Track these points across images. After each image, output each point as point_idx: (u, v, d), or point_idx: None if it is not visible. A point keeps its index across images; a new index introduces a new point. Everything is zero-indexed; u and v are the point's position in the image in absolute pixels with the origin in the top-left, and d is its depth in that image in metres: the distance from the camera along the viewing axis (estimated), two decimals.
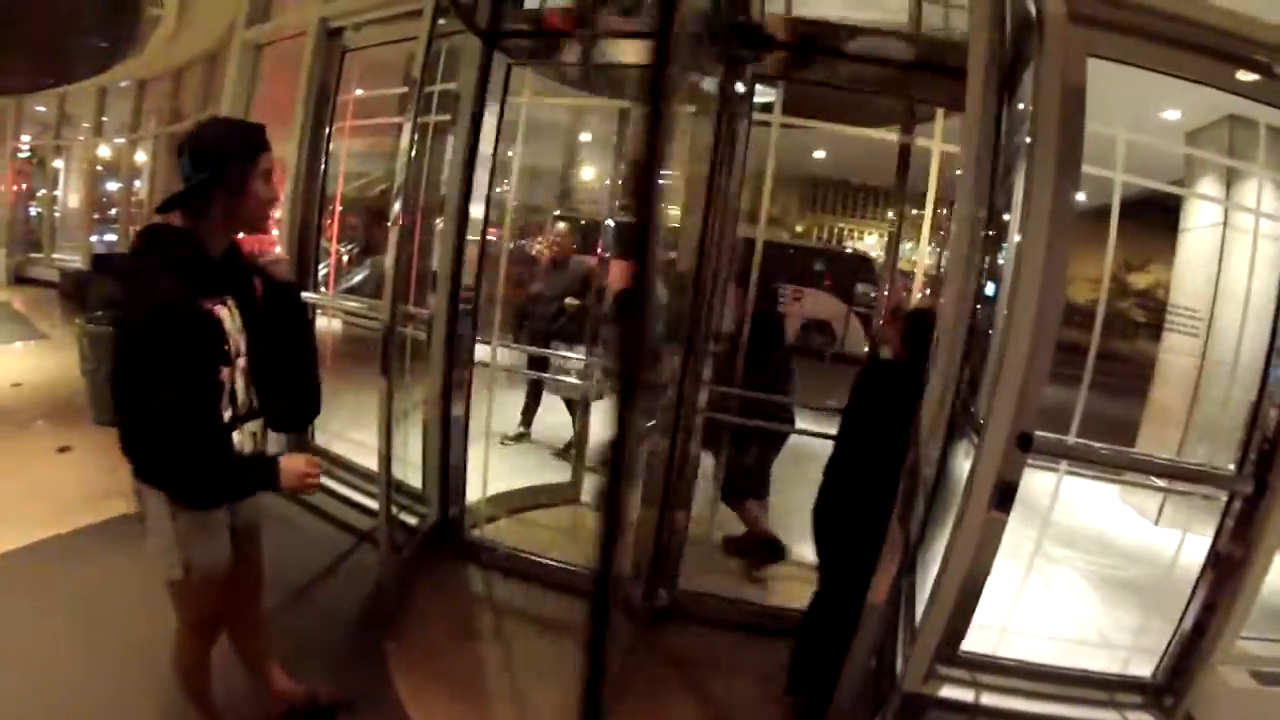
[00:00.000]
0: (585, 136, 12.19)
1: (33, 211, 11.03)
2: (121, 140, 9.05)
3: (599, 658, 1.31)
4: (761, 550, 3.29)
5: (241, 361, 1.57)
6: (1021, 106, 2.10)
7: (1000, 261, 2.17)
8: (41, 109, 10.52)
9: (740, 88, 2.56)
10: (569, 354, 4.29)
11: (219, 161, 1.46)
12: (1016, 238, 2.13)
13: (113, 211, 9.99)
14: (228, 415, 1.56)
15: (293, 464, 1.56)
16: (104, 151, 9.78)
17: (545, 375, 4.45)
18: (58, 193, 10.72)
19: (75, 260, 9.55)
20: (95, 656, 2.32)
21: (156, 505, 1.55)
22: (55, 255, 10.27)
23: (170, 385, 1.40)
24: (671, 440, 2.68)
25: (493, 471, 3.23)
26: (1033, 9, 2.00)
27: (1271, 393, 2.45)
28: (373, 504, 3.30)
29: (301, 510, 3.46)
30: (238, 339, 1.55)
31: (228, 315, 1.54)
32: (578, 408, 4.02)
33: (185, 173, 1.47)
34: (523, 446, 4.72)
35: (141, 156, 8.62)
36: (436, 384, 2.79)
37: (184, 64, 6.78)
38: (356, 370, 3.71)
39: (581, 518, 3.67)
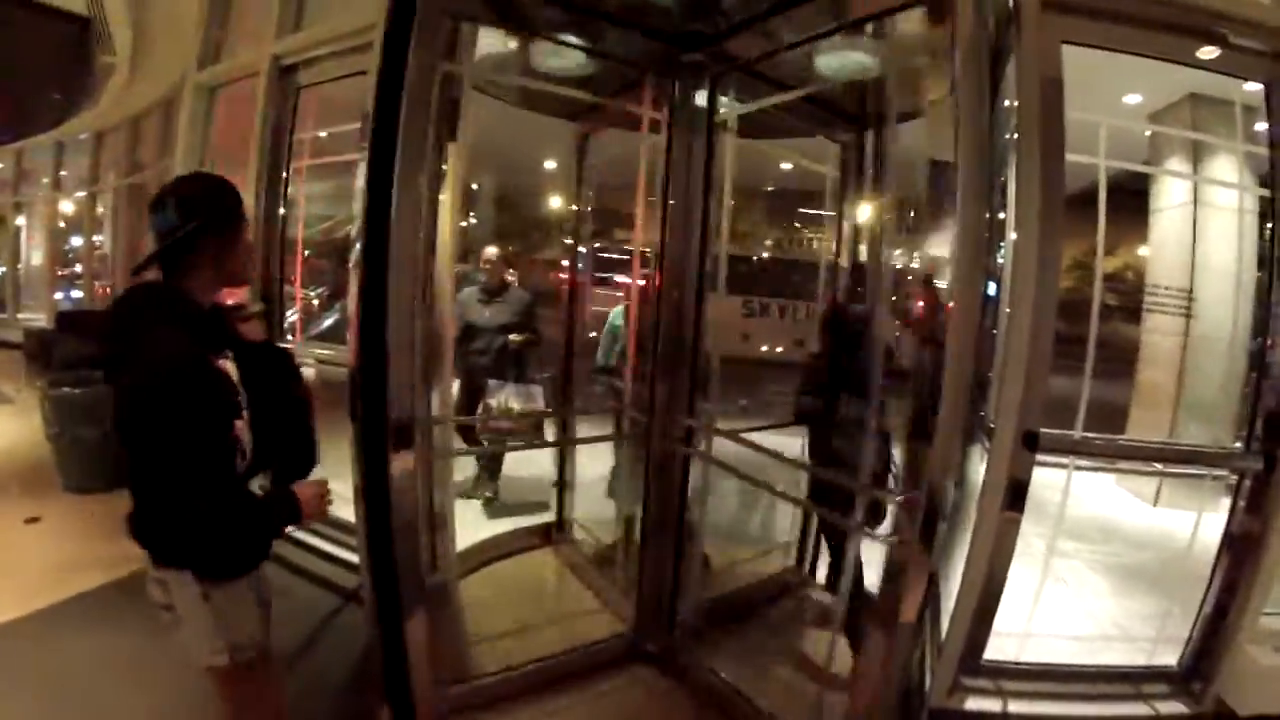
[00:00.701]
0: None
1: None
2: (82, 194, 8.86)
3: None
4: None
5: (245, 415, 1.50)
6: (1007, 103, 2.07)
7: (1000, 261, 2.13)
8: None
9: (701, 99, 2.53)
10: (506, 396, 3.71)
11: (209, 210, 1.44)
12: (1013, 236, 2.09)
13: (76, 268, 9.75)
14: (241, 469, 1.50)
15: (306, 491, 1.53)
16: (65, 207, 9.58)
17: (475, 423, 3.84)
18: (20, 251, 10.45)
19: (39, 319, 9.30)
20: None
21: (186, 589, 1.46)
22: (19, 315, 9.99)
23: (196, 445, 1.34)
24: None
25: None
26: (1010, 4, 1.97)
27: (1270, 367, 2.43)
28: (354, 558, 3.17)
29: (279, 570, 3.33)
30: (240, 393, 1.50)
31: (231, 369, 1.50)
32: None
33: (169, 224, 1.41)
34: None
35: (101, 210, 8.43)
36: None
37: (140, 113, 6.65)
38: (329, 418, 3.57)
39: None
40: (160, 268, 1.45)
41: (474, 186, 11.90)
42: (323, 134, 3.60)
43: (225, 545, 1.46)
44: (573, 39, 2.39)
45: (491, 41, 2.50)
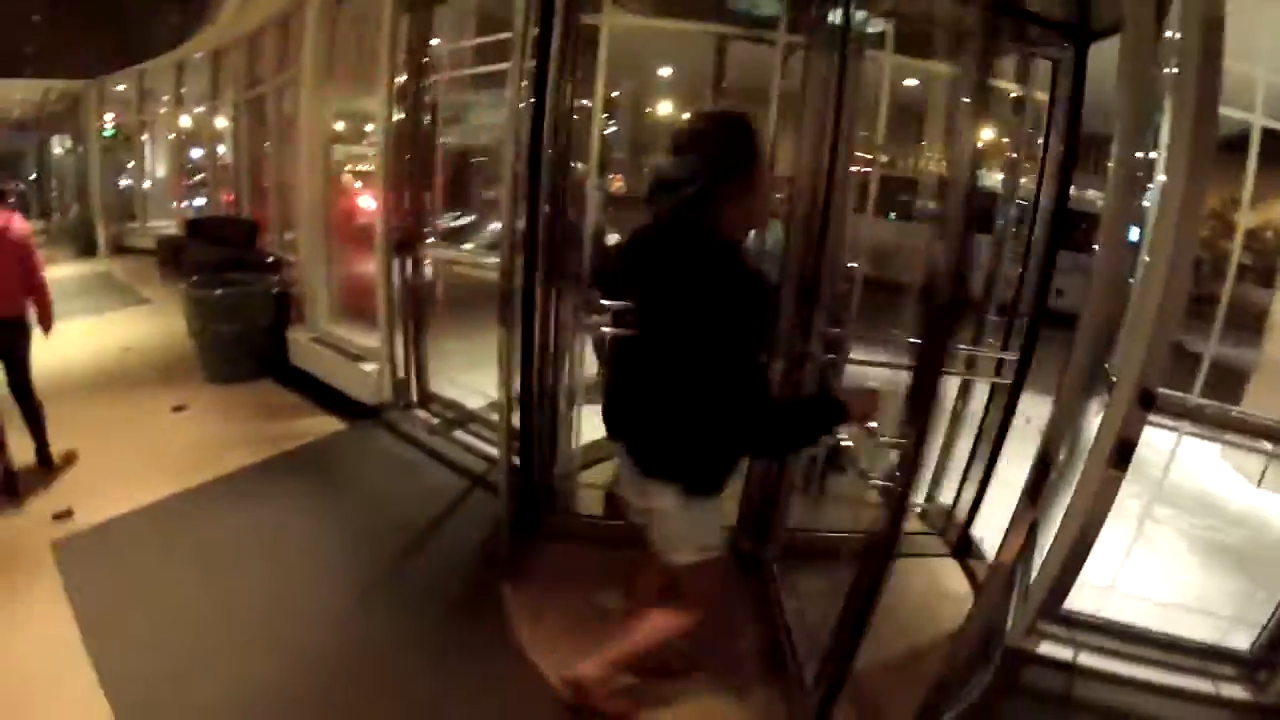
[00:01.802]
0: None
1: (123, 183, 11.63)
2: (201, 109, 9.36)
3: None
4: None
5: None
6: (1168, 34, 1.93)
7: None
8: (122, 88, 10.95)
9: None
10: None
11: (733, 153, 1.49)
12: (1161, 178, 1.99)
13: (199, 178, 10.42)
14: None
15: (857, 397, 1.57)
16: (185, 122, 10.16)
17: None
18: (146, 164, 11.24)
19: (168, 226, 10.08)
20: (221, 604, 2.49)
21: (666, 499, 1.59)
22: (149, 224, 10.84)
23: (755, 359, 1.46)
24: None
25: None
26: None
27: None
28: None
29: (420, 455, 3.66)
30: None
31: None
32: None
33: (695, 168, 1.47)
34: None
35: (222, 123, 8.90)
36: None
37: (256, 30, 6.89)
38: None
39: None
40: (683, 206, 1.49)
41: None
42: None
43: (775, 447, 1.59)
44: None
45: None
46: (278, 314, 4.74)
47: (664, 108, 14.00)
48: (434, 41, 3.66)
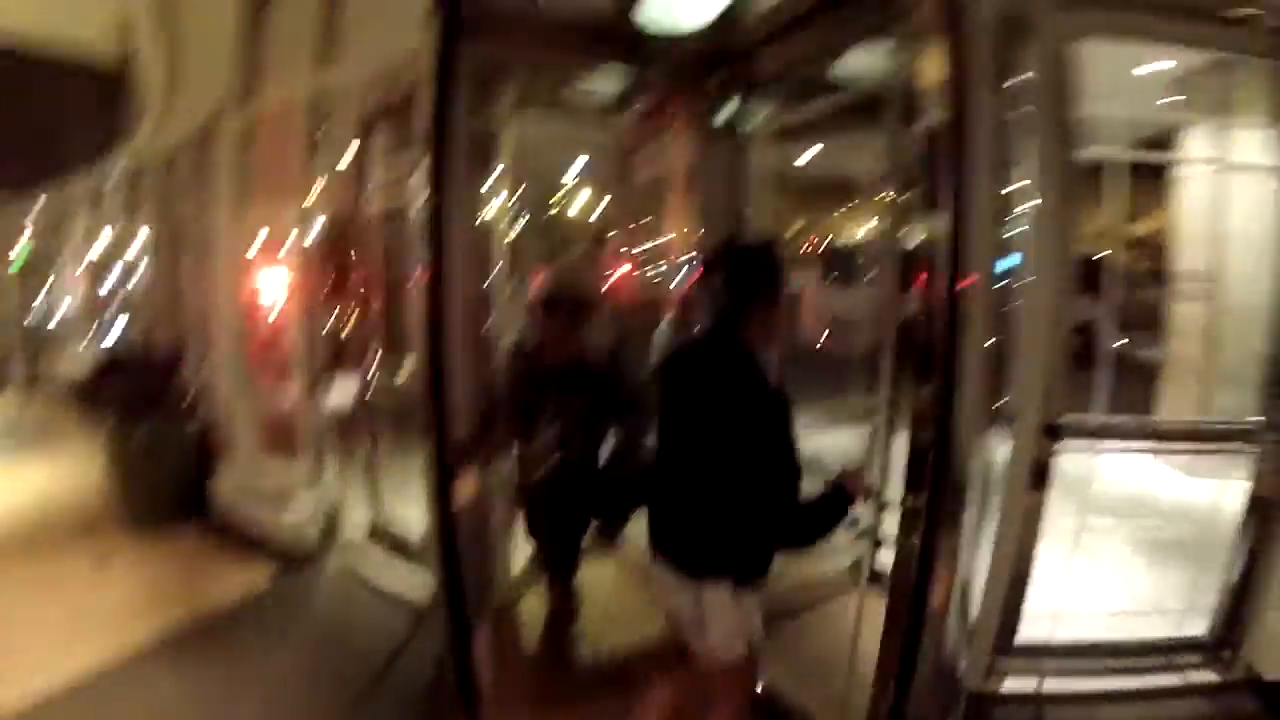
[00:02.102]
0: None
1: (33, 314, 11.19)
2: (116, 235, 9.17)
3: None
4: None
5: None
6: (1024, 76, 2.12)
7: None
8: (32, 213, 10.70)
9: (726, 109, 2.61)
10: None
11: (762, 281, 1.71)
12: (1027, 205, 2.13)
13: (114, 307, 10.10)
14: None
15: (851, 478, 1.75)
16: (100, 248, 9.90)
17: None
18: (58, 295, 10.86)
19: (82, 358, 9.66)
20: None
21: (720, 595, 1.70)
22: (63, 357, 10.39)
23: (789, 466, 1.62)
24: None
25: None
26: None
27: None
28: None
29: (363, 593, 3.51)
30: None
31: None
32: None
33: (726, 290, 1.69)
34: None
35: (138, 248, 8.71)
36: None
37: (173, 152, 6.88)
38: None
39: None
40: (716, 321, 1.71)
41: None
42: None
43: (804, 545, 1.75)
44: (607, 65, 2.48)
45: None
46: (200, 454, 4.55)
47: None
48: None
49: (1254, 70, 2.84)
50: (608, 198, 3.87)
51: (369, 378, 3.61)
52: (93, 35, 6.65)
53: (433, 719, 2.52)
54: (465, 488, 2.20)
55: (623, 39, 2.40)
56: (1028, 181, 2.16)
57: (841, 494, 1.70)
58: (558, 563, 2.64)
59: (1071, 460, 2.53)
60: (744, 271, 1.70)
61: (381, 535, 3.98)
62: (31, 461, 6.28)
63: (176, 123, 6.06)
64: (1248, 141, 4.47)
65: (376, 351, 3.48)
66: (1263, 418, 2.55)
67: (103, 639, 3.06)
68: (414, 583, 3.53)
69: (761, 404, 1.60)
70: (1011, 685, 2.45)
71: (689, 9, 2.26)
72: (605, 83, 2.79)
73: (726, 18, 2.46)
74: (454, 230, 2.04)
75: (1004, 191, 2.03)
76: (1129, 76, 4.66)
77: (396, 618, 3.26)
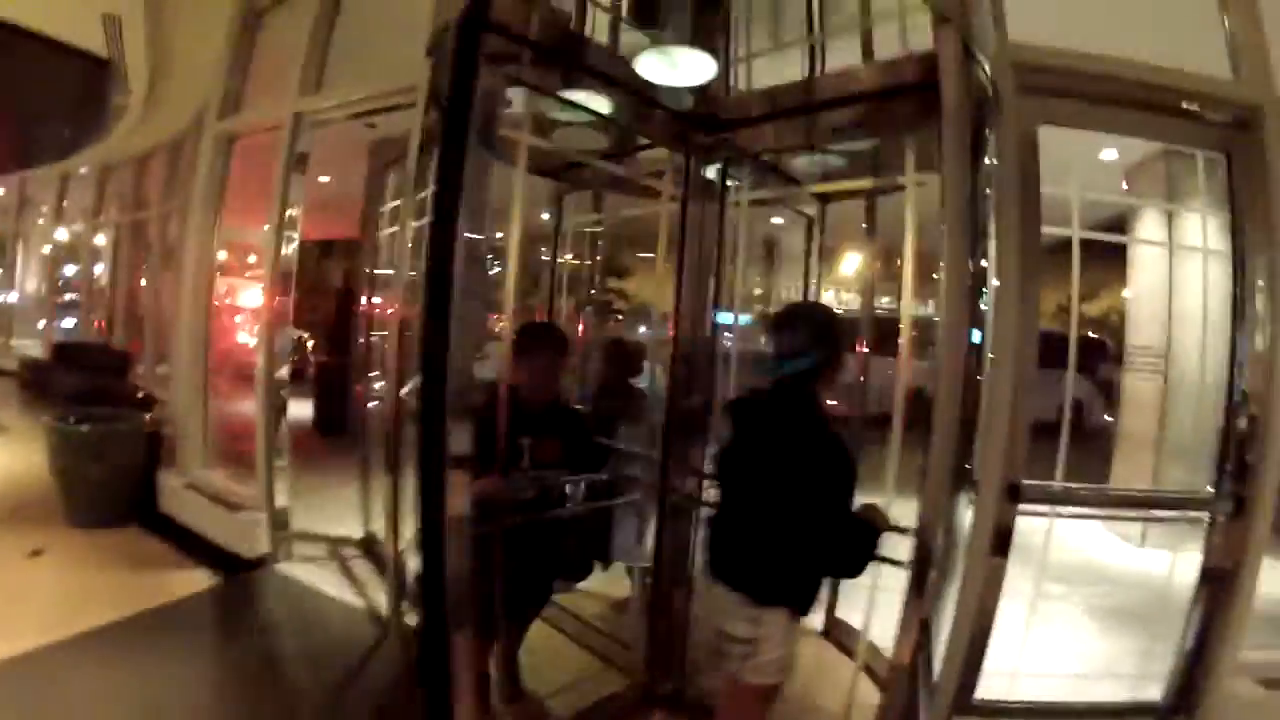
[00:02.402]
0: None
1: None
2: (80, 227, 8.95)
3: None
4: None
5: None
6: (988, 161, 2.23)
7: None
8: (0, 192, 10.38)
9: (708, 172, 2.69)
10: None
11: (831, 343, 1.91)
12: (994, 284, 2.23)
13: (70, 297, 9.79)
14: None
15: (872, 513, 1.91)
16: (63, 236, 9.64)
17: None
18: (15, 278, 10.49)
19: (33, 347, 9.30)
20: None
21: (778, 622, 1.83)
22: (13, 341, 9.99)
23: (851, 503, 1.81)
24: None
25: None
26: (989, 85, 2.14)
27: (1238, 405, 2.57)
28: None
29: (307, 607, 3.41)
30: None
31: None
32: None
33: (802, 348, 1.88)
34: None
35: (101, 241, 8.50)
36: None
37: (147, 152, 6.79)
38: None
39: None
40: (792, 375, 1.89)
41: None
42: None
43: (851, 577, 1.92)
44: (593, 110, 2.50)
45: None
46: (148, 455, 4.38)
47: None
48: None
49: (1200, 160, 3.05)
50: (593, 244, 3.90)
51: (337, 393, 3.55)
52: (80, 29, 6.56)
53: None
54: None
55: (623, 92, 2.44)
56: (992, 257, 2.28)
57: (870, 527, 1.85)
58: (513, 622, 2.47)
59: (1029, 529, 2.60)
60: (822, 331, 1.90)
61: (332, 547, 3.89)
62: None
63: (155, 125, 5.99)
64: (1195, 225, 4.78)
65: (345, 369, 3.43)
66: (1213, 489, 2.64)
67: (32, 630, 2.93)
68: (362, 595, 3.48)
69: (833, 451, 1.77)
70: None
71: (685, 71, 2.32)
72: (594, 136, 2.83)
73: (713, 88, 2.56)
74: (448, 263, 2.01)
75: (974, 268, 2.11)
76: (1087, 161, 4.95)
77: (344, 628, 3.17)
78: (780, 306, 2.17)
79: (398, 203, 3.51)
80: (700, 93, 2.54)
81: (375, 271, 4.54)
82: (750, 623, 1.83)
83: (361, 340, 4.87)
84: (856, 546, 1.80)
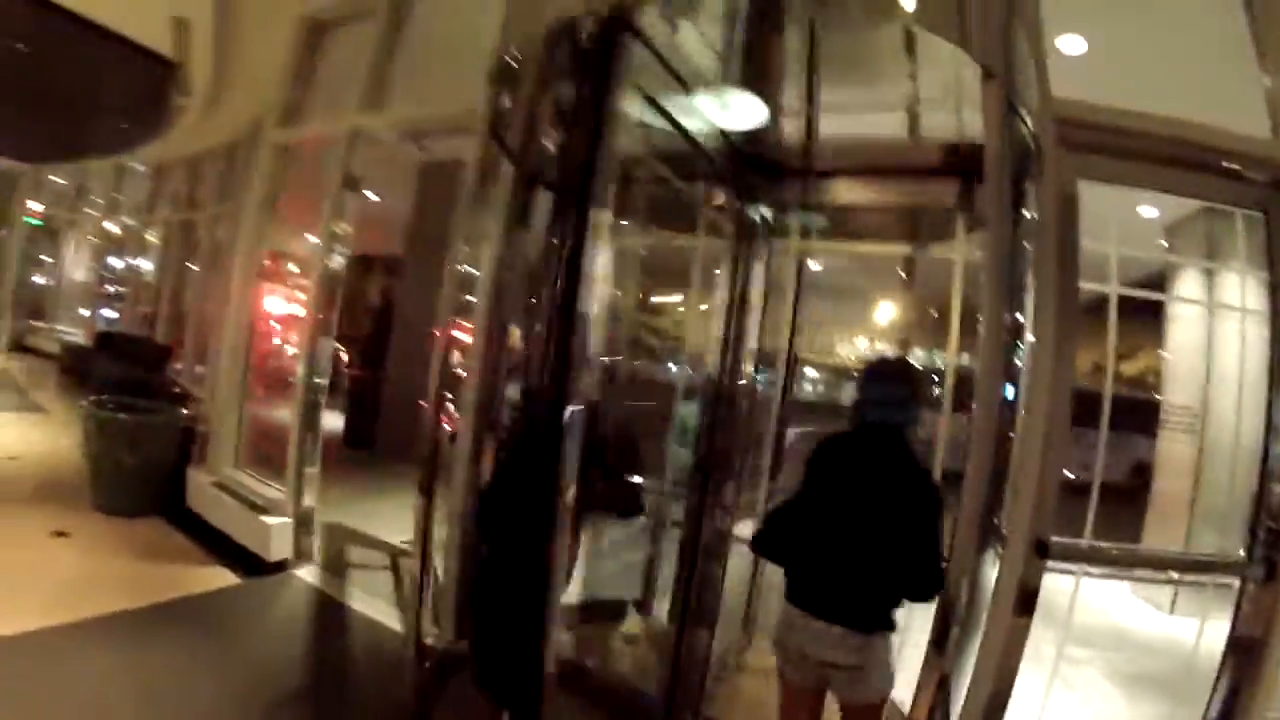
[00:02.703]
0: None
1: (37, 279, 11.14)
2: (132, 221, 9.28)
3: None
4: None
5: None
6: (1029, 215, 2.24)
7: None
8: (57, 180, 10.78)
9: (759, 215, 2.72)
10: None
11: (923, 392, 2.12)
12: (1030, 339, 2.23)
13: (114, 289, 10.11)
14: None
15: None
16: (114, 229, 9.98)
17: None
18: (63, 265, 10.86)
19: (75, 334, 9.58)
20: None
21: (882, 646, 1.98)
22: (57, 326, 10.31)
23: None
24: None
25: None
26: (1031, 141, 2.16)
27: (1273, 471, 2.52)
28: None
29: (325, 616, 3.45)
30: None
31: None
32: None
33: (905, 397, 2.09)
34: None
35: (151, 238, 8.79)
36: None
37: (202, 154, 7.04)
38: None
39: None
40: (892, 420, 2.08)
41: None
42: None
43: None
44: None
45: None
46: (180, 450, 4.47)
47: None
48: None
49: (1239, 219, 3.01)
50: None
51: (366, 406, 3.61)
52: (149, 29, 6.85)
53: None
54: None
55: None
56: (1030, 312, 2.28)
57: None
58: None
59: (1055, 590, 2.55)
60: (919, 384, 2.14)
61: (354, 555, 3.92)
62: (7, 424, 6.17)
63: (212, 129, 6.21)
64: (1235, 285, 4.70)
65: (378, 384, 3.48)
66: (1244, 554, 2.57)
67: (46, 609, 2.98)
68: (379, 605, 3.48)
69: (933, 490, 1.99)
70: None
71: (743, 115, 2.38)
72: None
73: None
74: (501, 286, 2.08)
75: (1013, 323, 2.13)
76: (1126, 218, 4.90)
77: (361, 636, 3.21)
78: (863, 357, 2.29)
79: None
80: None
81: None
82: (857, 651, 1.98)
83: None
84: (940, 575, 1.98)
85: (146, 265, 8.69)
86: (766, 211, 2.75)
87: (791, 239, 2.87)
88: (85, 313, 10.11)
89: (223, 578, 3.68)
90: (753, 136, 2.57)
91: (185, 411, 4.72)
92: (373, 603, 3.62)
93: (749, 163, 2.65)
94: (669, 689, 2.74)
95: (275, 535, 3.78)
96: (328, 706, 2.74)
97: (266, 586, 3.69)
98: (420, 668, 2.24)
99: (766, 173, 2.66)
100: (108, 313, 9.83)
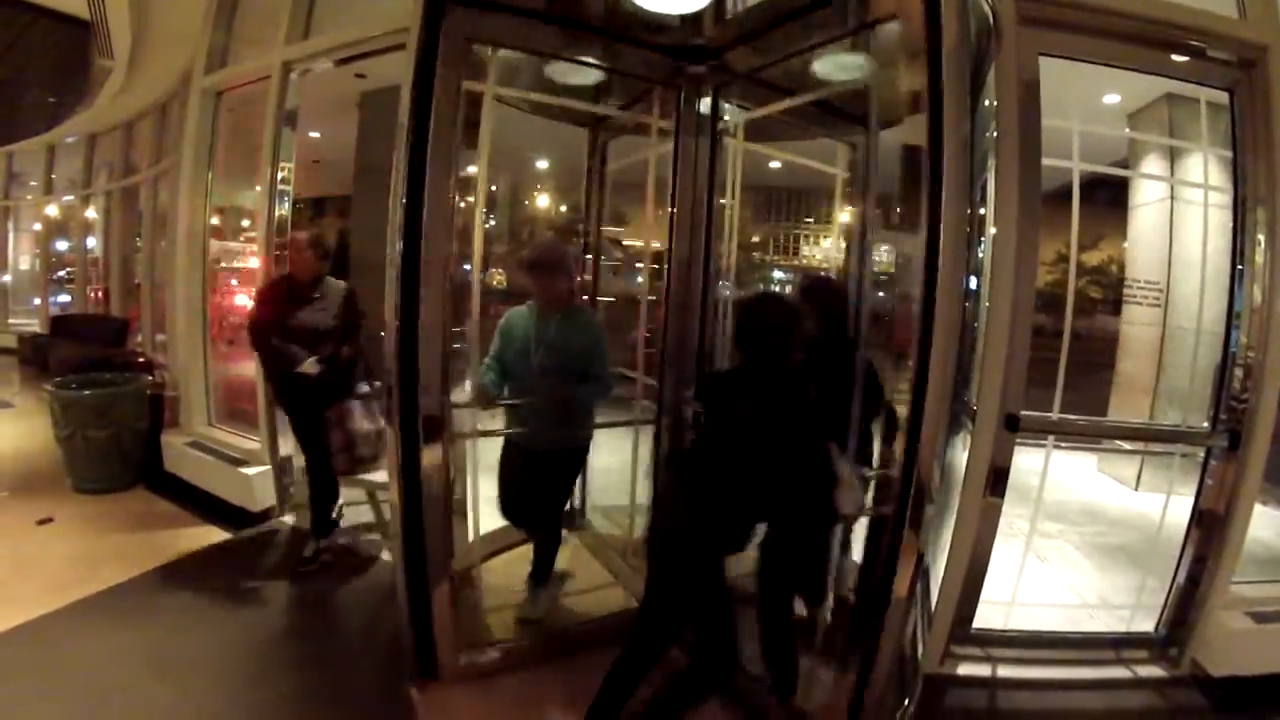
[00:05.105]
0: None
1: None
2: (71, 198, 8.84)
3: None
4: None
5: None
6: (987, 103, 2.21)
7: (980, 255, 2.27)
8: None
9: (705, 107, 2.63)
10: None
11: None
12: (992, 230, 2.23)
13: (64, 272, 9.72)
14: None
15: None
16: (53, 211, 9.52)
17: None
18: (8, 257, 10.38)
19: (31, 324, 9.27)
20: None
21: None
22: (10, 320, 9.95)
23: None
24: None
25: None
26: (989, 14, 2.10)
27: (1235, 353, 2.60)
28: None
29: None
30: None
31: None
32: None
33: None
34: None
35: (92, 213, 8.40)
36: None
37: (134, 116, 6.66)
38: None
39: None
40: None
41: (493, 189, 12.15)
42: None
43: None
44: (584, 57, 2.47)
45: (510, 57, 2.58)
46: (152, 417, 4.41)
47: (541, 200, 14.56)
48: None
49: (1203, 105, 3.00)
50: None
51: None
52: None
53: (391, 686, 2.47)
54: (431, 456, 2.17)
55: (603, 27, 2.40)
56: (993, 195, 2.27)
57: None
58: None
59: (1025, 470, 2.65)
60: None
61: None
62: None
63: (141, 87, 5.85)
64: (1197, 170, 4.74)
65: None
66: (1208, 425, 2.68)
67: (49, 593, 2.99)
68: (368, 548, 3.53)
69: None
70: (967, 670, 2.55)
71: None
72: (581, 73, 2.78)
73: (704, 13, 2.49)
74: (430, 215, 2.01)
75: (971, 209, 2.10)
76: (1089, 105, 4.87)
77: (354, 577, 3.27)
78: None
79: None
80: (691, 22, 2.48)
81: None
82: None
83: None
84: None
85: (91, 242, 8.34)
86: (710, 103, 2.67)
87: (738, 135, 2.79)
88: (37, 301, 9.74)
89: (212, 535, 3.70)
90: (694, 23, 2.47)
91: (151, 379, 4.64)
92: (355, 535, 3.68)
93: (692, 54, 2.56)
94: None
95: (257, 485, 3.78)
96: (330, 639, 2.82)
97: (256, 536, 3.71)
98: (411, 593, 2.28)
99: (704, 56, 2.58)
100: (61, 298, 9.52)
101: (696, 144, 2.65)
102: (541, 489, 2.76)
